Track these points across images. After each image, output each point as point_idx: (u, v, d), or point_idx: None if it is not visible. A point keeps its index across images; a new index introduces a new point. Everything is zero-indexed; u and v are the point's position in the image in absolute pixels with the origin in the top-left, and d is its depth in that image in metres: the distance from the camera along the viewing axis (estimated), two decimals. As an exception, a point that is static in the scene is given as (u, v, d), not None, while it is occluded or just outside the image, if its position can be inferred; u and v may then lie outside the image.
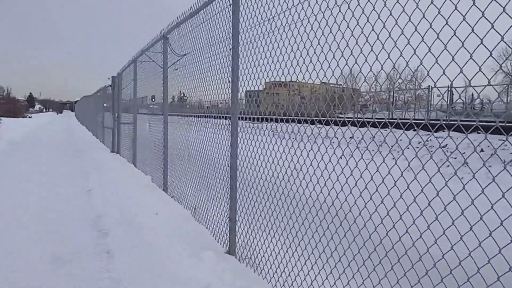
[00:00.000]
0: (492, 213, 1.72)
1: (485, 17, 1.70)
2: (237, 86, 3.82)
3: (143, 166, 8.52)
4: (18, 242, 4.22)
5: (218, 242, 4.11)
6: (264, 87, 4.00)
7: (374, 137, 2.47)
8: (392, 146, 2.51)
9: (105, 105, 15.51)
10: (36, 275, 3.44)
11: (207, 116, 5.22)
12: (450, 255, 1.91)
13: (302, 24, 2.95)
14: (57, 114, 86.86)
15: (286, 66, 3.13)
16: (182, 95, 7.16)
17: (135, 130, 9.47)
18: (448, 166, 2.06)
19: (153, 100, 9.89)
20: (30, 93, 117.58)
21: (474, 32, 1.77)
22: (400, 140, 2.41)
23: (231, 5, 3.78)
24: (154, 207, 5.25)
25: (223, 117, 4.62)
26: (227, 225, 3.89)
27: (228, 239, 3.84)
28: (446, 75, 1.95)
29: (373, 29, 2.27)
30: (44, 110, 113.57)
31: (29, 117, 49.69)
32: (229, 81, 3.90)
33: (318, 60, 2.74)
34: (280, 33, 3.20)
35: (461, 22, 1.81)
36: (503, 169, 1.85)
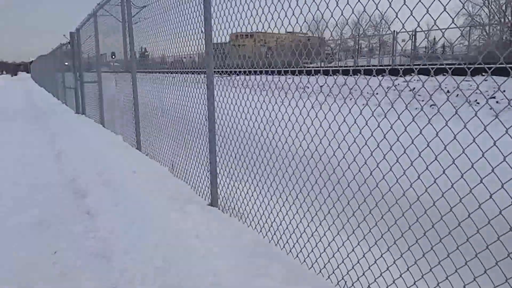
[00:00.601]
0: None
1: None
2: (211, 37, 3.71)
3: (112, 125, 8.32)
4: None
5: (199, 195, 4.14)
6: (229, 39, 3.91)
7: (345, 84, 2.51)
8: (362, 89, 2.56)
9: (66, 64, 14.75)
10: (21, 239, 3.40)
11: (177, 72, 5.08)
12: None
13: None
14: (12, 76, 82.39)
15: (252, 15, 3.07)
16: (143, 50, 6.88)
17: (100, 89, 9.14)
18: (416, 108, 2.15)
19: (113, 57, 9.51)
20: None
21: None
22: (369, 86, 2.46)
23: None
24: (130, 166, 5.20)
25: (195, 72, 4.51)
26: (208, 178, 3.92)
27: (210, 192, 3.88)
28: (414, 16, 2.00)
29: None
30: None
31: (-19, 81, 46.93)
32: (202, 31, 3.78)
33: (282, 8, 2.72)
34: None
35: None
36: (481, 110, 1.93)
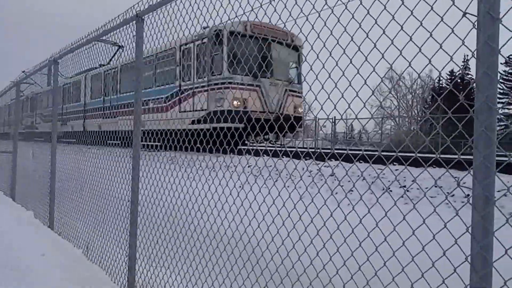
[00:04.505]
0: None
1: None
2: (140, 116, 3.70)
3: (24, 200, 7.65)
4: None
5: (115, 282, 3.83)
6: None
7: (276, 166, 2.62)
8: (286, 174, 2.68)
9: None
10: None
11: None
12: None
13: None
14: None
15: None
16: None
17: (15, 159, 8.50)
18: (337, 193, 2.30)
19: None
20: None
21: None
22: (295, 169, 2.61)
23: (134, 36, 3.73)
24: (40, 248, 4.72)
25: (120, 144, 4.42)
26: (125, 263, 3.67)
27: (126, 279, 3.61)
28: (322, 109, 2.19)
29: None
30: None
31: None
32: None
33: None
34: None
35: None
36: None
